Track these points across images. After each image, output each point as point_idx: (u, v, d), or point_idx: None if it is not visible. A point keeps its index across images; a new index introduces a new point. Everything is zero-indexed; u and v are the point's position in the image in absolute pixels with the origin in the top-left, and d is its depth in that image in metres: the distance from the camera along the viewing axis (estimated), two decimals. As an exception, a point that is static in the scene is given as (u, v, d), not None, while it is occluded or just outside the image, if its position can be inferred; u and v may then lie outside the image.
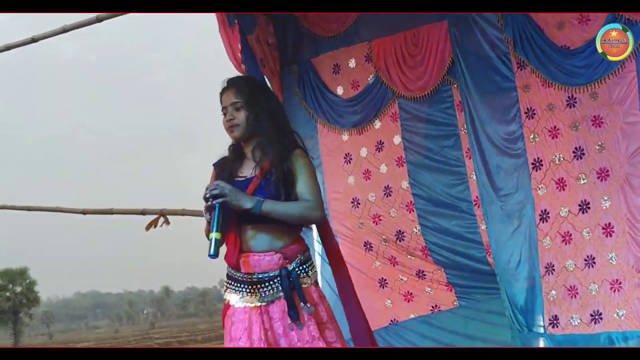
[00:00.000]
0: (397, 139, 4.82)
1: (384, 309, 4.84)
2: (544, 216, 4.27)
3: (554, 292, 4.20)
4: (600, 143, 4.13)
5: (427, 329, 4.75)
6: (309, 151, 2.94)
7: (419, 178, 4.77)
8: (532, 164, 4.30)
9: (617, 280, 4.06)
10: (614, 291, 4.06)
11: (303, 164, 2.78)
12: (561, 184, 4.24)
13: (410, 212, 4.80)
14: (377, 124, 4.88)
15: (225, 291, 2.81)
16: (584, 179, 4.19)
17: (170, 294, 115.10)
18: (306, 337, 2.66)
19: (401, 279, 4.86)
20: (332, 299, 3.08)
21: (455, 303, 4.73)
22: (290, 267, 2.71)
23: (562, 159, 4.25)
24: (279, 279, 2.69)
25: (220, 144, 2.93)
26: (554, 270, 4.22)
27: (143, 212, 5.18)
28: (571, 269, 4.18)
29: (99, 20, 4.66)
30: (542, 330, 4.19)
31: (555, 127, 4.25)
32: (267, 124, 2.79)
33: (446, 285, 4.75)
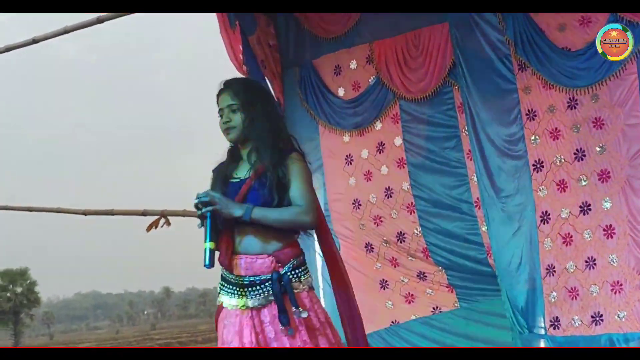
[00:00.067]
0: (398, 141, 4.82)
1: (385, 310, 4.85)
2: (545, 218, 4.27)
3: (554, 293, 4.20)
4: (601, 145, 4.13)
5: (428, 330, 4.76)
6: (310, 153, 2.95)
7: (420, 179, 4.78)
8: (533, 165, 4.30)
9: (618, 282, 4.06)
10: (615, 293, 4.06)
11: (298, 168, 2.76)
12: (562, 186, 4.24)
13: (411, 213, 4.81)
14: (378, 126, 4.88)
15: (219, 293, 2.80)
16: (584, 181, 4.19)
17: (170, 295, 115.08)
18: (297, 342, 2.63)
19: (402, 280, 4.86)
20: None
21: (456, 304, 4.74)
22: (282, 271, 2.68)
23: (563, 161, 4.25)
24: (270, 282, 2.66)
25: (220, 144, 2.91)
26: (554, 271, 4.22)
27: (144, 213, 5.17)
28: (572, 271, 4.18)
29: (99, 21, 4.65)
30: (542, 331, 4.19)
31: (556, 128, 4.25)
32: (263, 127, 2.77)
33: (447, 287, 4.75)
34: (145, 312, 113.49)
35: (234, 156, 2.88)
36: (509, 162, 4.35)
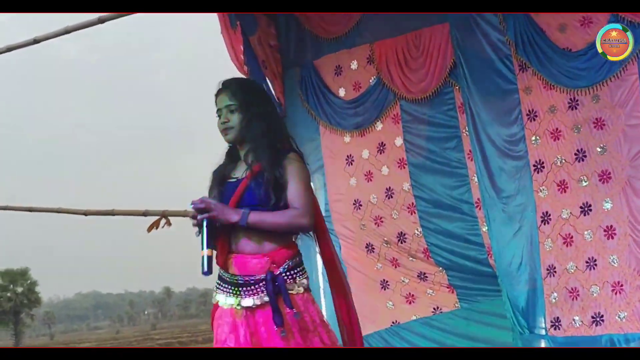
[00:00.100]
0: (399, 141, 4.83)
1: (386, 311, 4.84)
2: (546, 218, 4.27)
3: (555, 294, 4.20)
4: (602, 145, 4.13)
5: (429, 331, 4.75)
6: (311, 153, 2.94)
7: (421, 180, 4.78)
8: (534, 166, 4.30)
9: (618, 283, 4.06)
10: (616, 293, 4.06)
11: (295, 168, 2.74)
12: (563, 186, 4.24)
13: (411, 214, 4.81)
14: (379, 126, 4.88)
15: (215, 291, 2.79)
16: (585, 181, 4.19)
17: (171, 295, 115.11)
18: (290, 343, 2.61)
19: (403, 281, 4.86)
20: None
21: (456, 305, 4.74)
22: (277, 272, 2.66)
23: (563, 161, 4.24)
24: (264, 282, 2.65)
25: (220, 144, 2.91)
26: (555, 272, 4.22)
27: (145, 214, 5.16)
28: (572, 271, 4.18)
29: (101, 21, 4.65)
30: (543, 332, 4.19)
31: (557, 129, 4.25)
32: (261, 128, 2.76)
33: (447, 287, 4.75)
34: (146, 312, 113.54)
35: (232, 157, 2.88)
36: (509, 163, 4.35)
